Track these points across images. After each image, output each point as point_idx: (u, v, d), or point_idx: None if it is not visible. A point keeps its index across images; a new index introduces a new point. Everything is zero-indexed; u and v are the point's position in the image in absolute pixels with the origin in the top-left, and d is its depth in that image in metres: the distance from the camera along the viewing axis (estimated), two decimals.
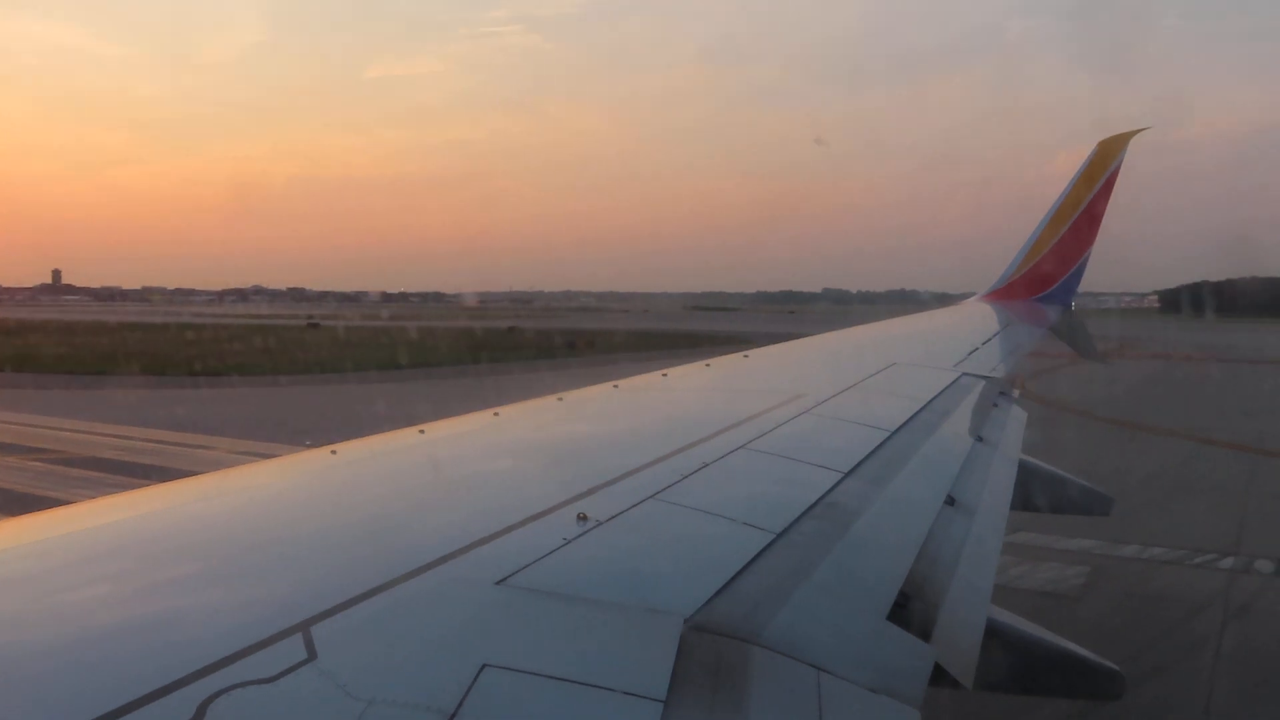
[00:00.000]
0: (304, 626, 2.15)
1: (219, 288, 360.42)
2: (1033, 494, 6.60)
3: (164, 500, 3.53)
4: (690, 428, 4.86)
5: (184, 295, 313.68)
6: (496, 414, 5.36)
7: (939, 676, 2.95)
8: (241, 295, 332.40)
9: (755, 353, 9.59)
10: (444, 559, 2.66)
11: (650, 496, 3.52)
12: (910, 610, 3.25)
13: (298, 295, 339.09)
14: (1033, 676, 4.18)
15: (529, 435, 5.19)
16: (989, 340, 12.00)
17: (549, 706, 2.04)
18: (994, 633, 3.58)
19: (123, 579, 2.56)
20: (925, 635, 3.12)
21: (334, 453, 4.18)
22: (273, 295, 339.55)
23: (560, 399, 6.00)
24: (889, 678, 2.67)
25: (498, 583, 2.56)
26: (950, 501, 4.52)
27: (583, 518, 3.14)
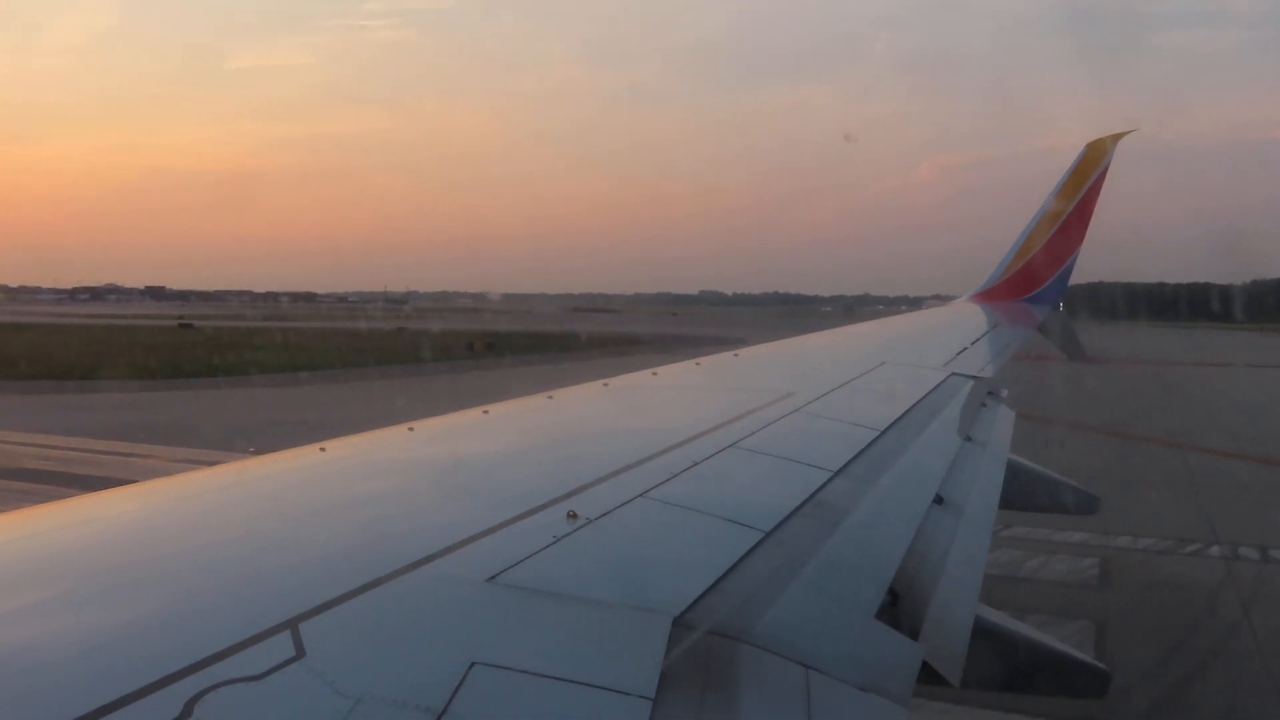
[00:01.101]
0: (292, 624, 2.14)
1: (69, 285, 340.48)
2: (1021, 493, 6.63)
3: (151, 497, 3.51)
4: (680, 426, 4.86)
5: (29, 293, 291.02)
6: (486, 411, 5.35)
7: (927, 675, 2.97)
8: (95, 294, 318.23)
9: (745, 352, 9.61)
10: (433, 556, 2.66)
11: (640, 495, 3.52)
12: (899, 608, 3.26)
13: (156, 294, 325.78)
14: (1020, 675, 4.21)
15: (519, 433, 5.19)
16: (977, 341, 12.06)
17: (538, 704, 2.04)
18: (982, 631, 3.60)
19: (108, 576, 2.54)
20: (914, 634, 3.13)
21: (323, 450, 4.16)
22: (128, 294, 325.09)
23: (550, 397, 5.99)
24: (877, 676, 2.68)
25: (487, 580, 2.56)
26: (939, 500, 4.53)
27: (572, 516, 3.14)
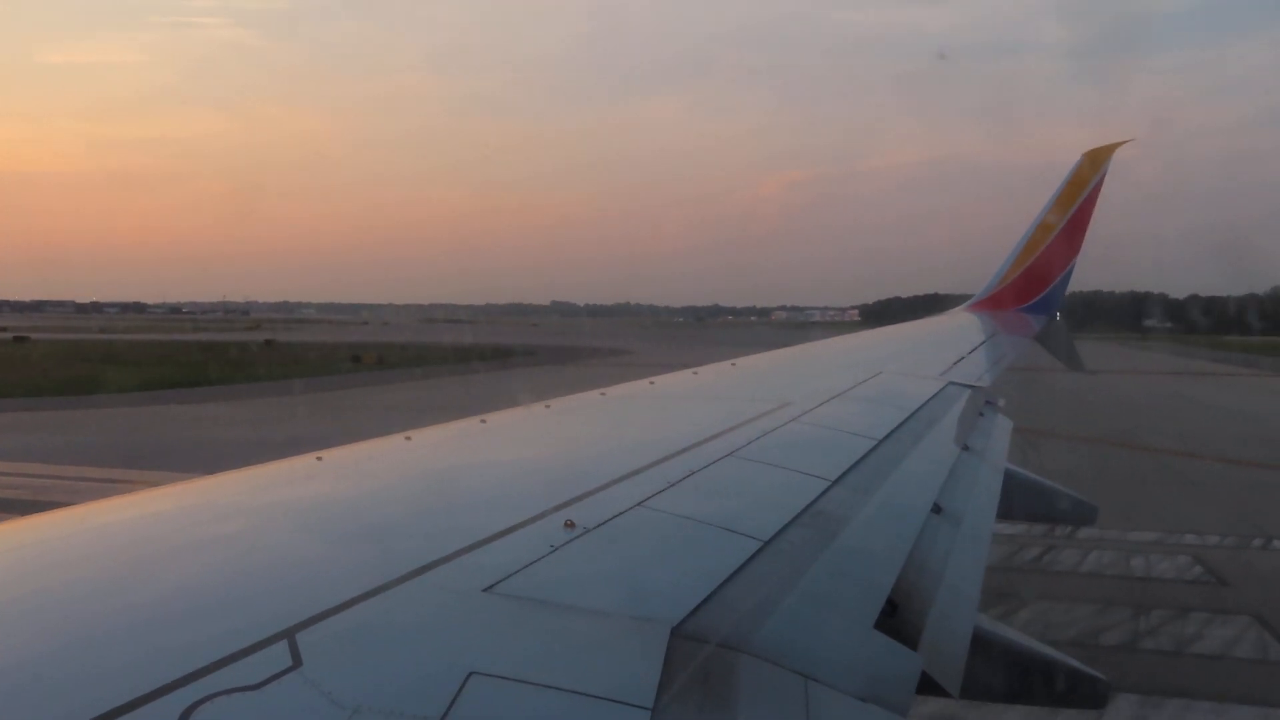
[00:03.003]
0: (289, 633, 2.14)
1: None
2: (1019, 503, 6.63)
3: (147, 506, 3.50)
4: (678, 435, 4.86)
5: None
6: (484, 420, 5.35)
7: (926, 685, 2.96)
8: None
9: (742, 361, 9.61)
10: (431, 565, 2.65)
11: (638, 504, 3.52)
12: (898, 618, 3.25)
13: None
14: (1018, 685, 4.20)
15: (516, 442, 5.18)
16: (975, 350, 12.08)
17: (536, 714, 2.04)
18: (980, 641, 3.60)
19: (105, 585, 2.53)
20: (912, 643, 3.12)
21: (320, 459, 4.16)
22: None
23: (547, 406, 5.99)
24: (876, 686, 2.67)
25: (485, 590, 2.55)
26: (937, 509, 4.53)
27: (570, 525, 3.13)
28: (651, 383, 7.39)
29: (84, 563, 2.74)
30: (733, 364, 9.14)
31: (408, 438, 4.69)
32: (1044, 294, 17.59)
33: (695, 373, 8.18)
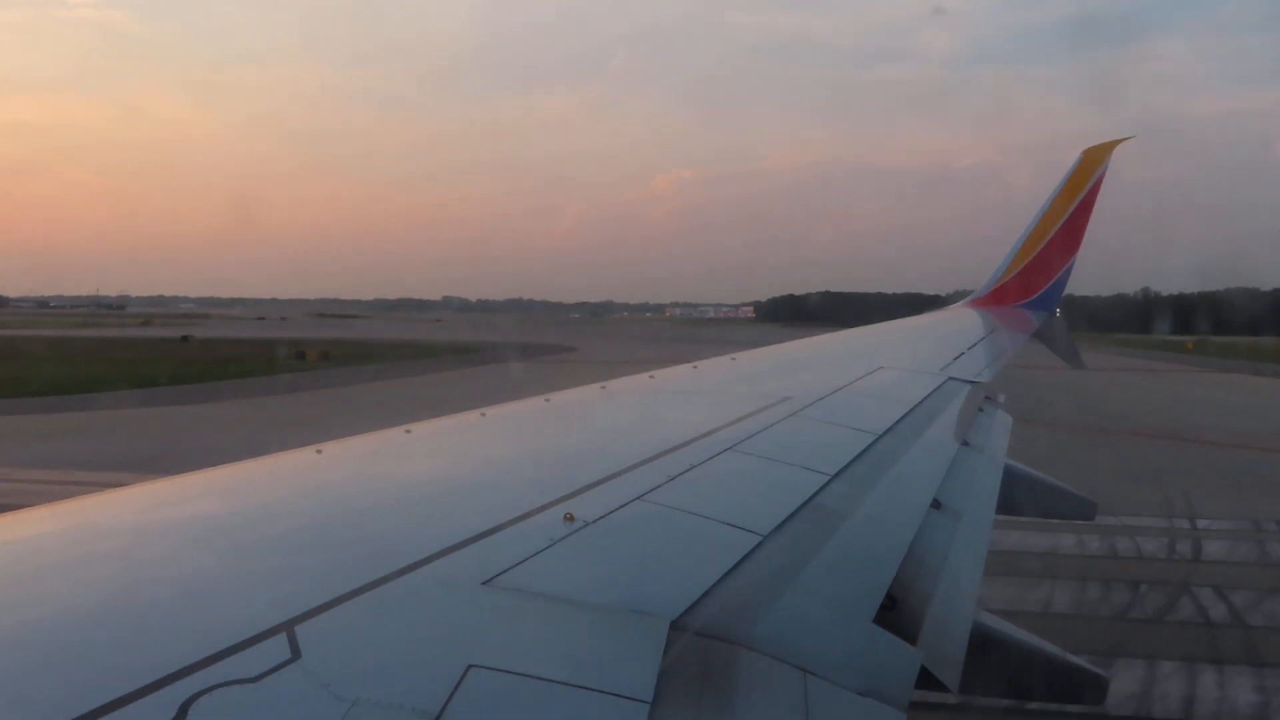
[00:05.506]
0: (288, 626, 2.13)
1: None
2: (1018, 498, 6.63)
3: (146, 499, 3.49)
4: (677, 429, 4.86)
5: None
6: (483, 414, 5.34)
7: (926, 680, 2.96)
8: None
9: (742, 355, 9.61)
10: (430, 559, 2.65)
11: (637, 498, 3.52)
12: (897, 613, 3.25)
13: None
14: (1018, 680, 4.20)
15: (516, 435, 5.18)
16: (974, 345, 12.07)
17: (535, 707, 2.03)
18: (980, 637, 3.60)
19: (104, 578, 2.53)
20: (912, 638, 3.12)
21: (319, 452, 4.15)
22: None
23: (547, 399, 5.99)
24: (876, 680, 2.67)
25: (484, 583, 2.55)
26: (937, 505, 4.53)
27: (569, 518, 3.13)
28: (651, 376, 7.39)
29: (83, 555, 2.73)
30: (732, 358, 9.14)
31: (407, 431, 4.69)
32: (1044, 290, 17.61)
33: (694, 367, 8.18)
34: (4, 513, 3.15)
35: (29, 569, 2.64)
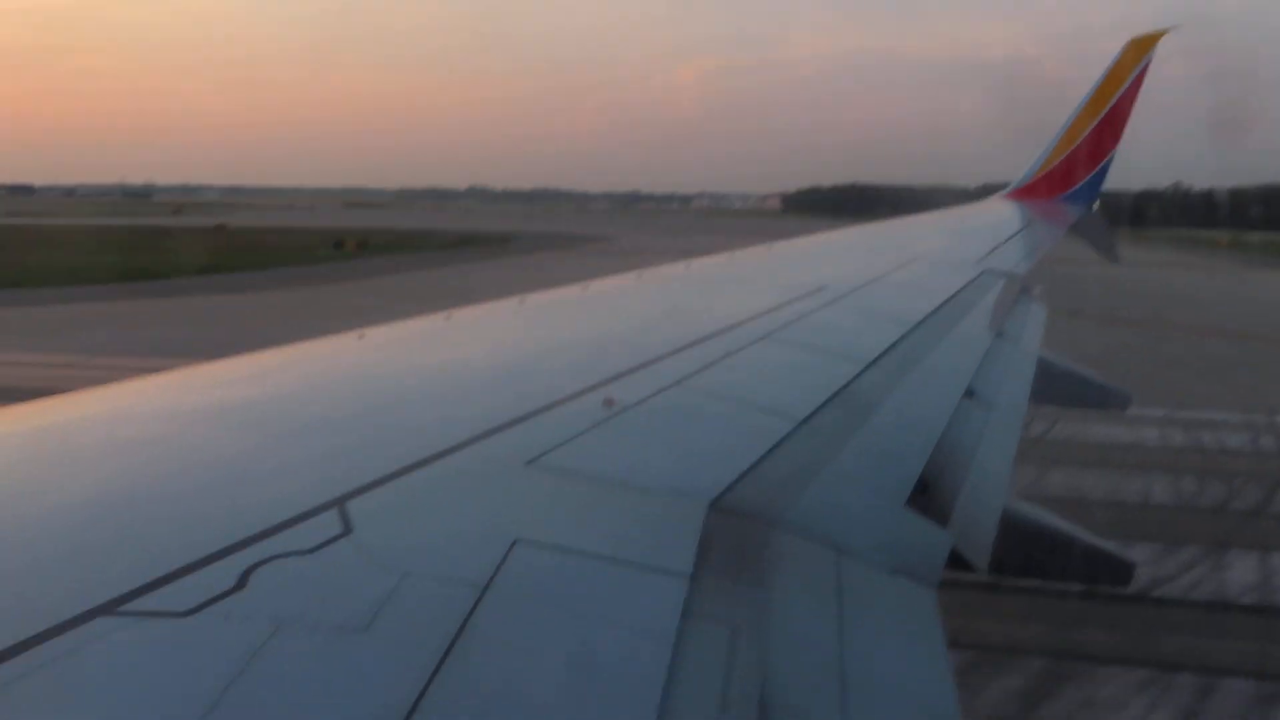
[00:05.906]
0: (339, 502, 2.20)
1: None
2: (1052, 389, 6.63)
3: (204, 380, 3.56)
4: (714, 318, 4.86)
5: None
6: (522, 301, 5.37)
7: (955, 562, 3.02)
8: None
9: (778, 245, 9.54)
10: (475, 439, 2.71)
11: (674, 384, 3.55)
12: (929, 497, 3.30)
13: None
14: (1044, 562, 4.27)
15: (555, 322, 5.21)
16: (1011, 238, 11.89)
17: (579, 580, 2.10)
18: (1010, 521, 3.64)
19: (166, 456, 2.60)
20: (943, 522, 3.17)
21: (362, 337, 4.20)
22: None
23: (584, 287, 6.00)
24: (907, 560, 2.72)
25: (528, 463, 2.61)
26: (970, 394, 4.54)
27: (609, 402, 3.17)
28: (686, 266, 7.37)
29: (151, 434, 2.81)
30: (768, 248, 9.08)
31: (449, 316, 4.73)
32: (1082, 184, 17.21)
33: (731, 257, 8.14)
34: (77, 391, 3.24)
35: (102, 443, 2.72)
